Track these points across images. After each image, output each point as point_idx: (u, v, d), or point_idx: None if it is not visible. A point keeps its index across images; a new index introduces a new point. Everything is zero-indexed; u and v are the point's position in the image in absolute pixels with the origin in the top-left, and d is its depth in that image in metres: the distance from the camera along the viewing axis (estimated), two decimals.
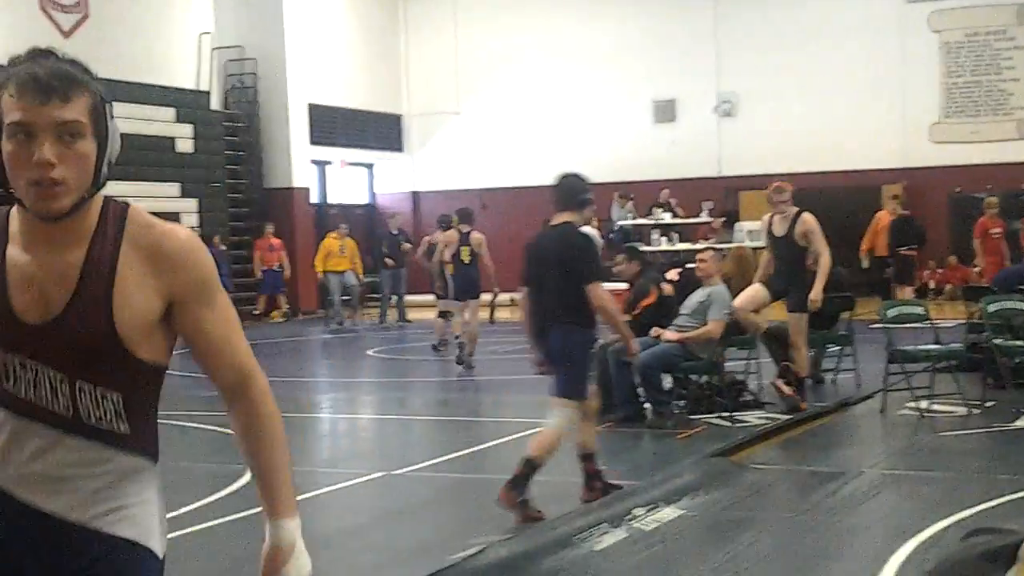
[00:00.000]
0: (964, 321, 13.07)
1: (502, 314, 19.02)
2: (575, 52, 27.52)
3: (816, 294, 10.68)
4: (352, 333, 21.60)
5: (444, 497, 8.45)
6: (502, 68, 28.18)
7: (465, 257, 15.70)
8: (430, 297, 23.84)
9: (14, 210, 2.43)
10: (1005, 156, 24.16)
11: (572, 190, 7.80)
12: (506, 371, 15.85)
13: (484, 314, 17.80)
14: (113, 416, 2.43)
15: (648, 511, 7.34)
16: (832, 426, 10.60)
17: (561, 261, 7.49)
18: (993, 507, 7.20)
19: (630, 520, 7.15)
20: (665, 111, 27.06)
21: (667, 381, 10.85)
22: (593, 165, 26.73)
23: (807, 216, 10.91)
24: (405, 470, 9.01)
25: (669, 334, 10.52)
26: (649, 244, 22.08)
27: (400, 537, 7.37)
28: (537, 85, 27.78)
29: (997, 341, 11.26)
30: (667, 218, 23.92)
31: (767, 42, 25.81)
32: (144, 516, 2.49)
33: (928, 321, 11.51)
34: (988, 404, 10.74)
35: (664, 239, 23.13)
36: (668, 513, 7.33)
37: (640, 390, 10.55)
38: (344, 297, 22.65)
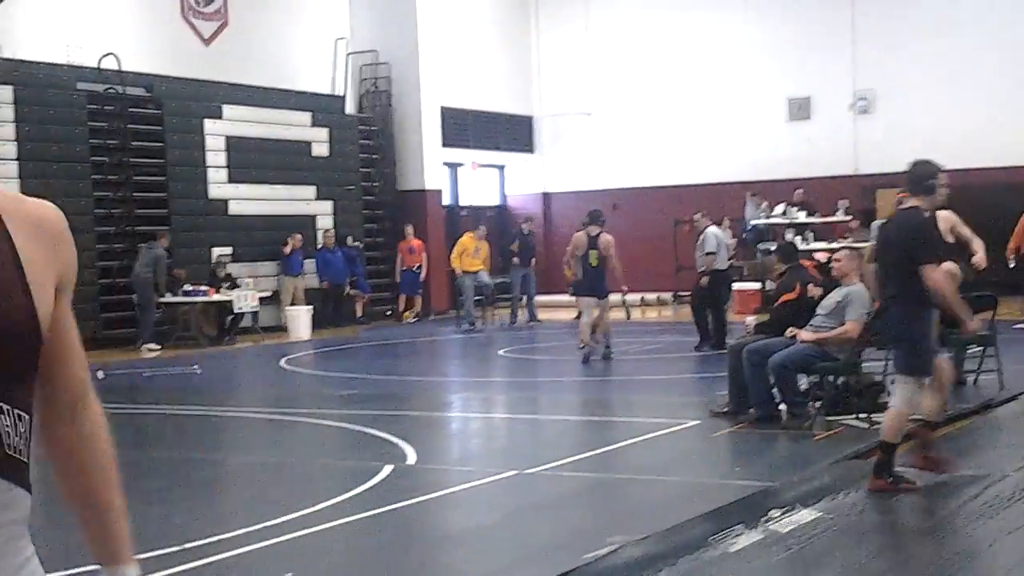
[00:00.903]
0: None
1: (635, 314, 18.91)
2: (707, 50, 27.32)
3: (980, 256, 11.32)
4: (482, 333, 21.71)
5: (577, 496, 8.44)
6: (633, 68, 28.10)
7: (593, 260, 15.79)
8: (561, 297, 23.93)
9: None
10: None
11: (921, 175, 8.07)
12: (639, 371, 15.80)
13: (619, 314, 17.80)
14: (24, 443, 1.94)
15: (784, 513, 7.23)
16: (974, 428, 10.33)
17: (901, 243, 7.91)
18: None
19: (766, 522, 7.06)
20: (800, 109, 26.72)
21: (803, 382, 10.70)
22: (726, 164, 26.80)
23: (945, 213, 10.80)
24: (537, 469, 9.02)
25: (805, 334, 10.36)
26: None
27: (533, 535, 7.39)
28: (669, 84, 27.63)
29: None
30: (801, 217, 23.56)
31: (904, 36, 25.30)
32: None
33: None
34: None
35: (799, 238, 22.78)
36: (804, 515, 7.22)
37: (776, 391, 10.42)
38: (477, 297, 22.77)
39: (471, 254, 22.45)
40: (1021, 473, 8.33)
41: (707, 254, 16.81)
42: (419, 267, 24.48)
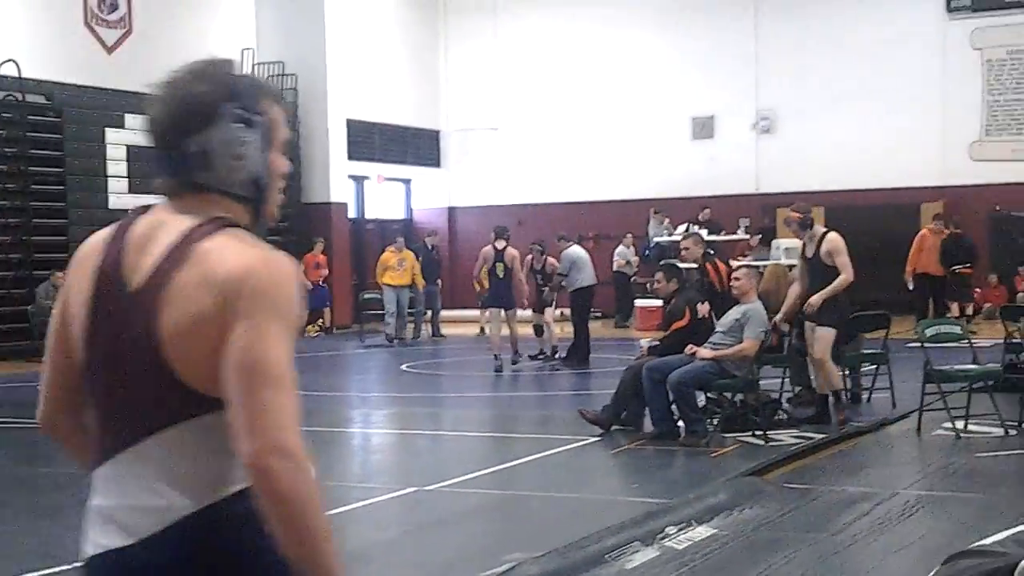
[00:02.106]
0: (1002, 341, 12.99)
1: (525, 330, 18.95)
2: (614, 68, 27.57)
3: (816, 299, 10.89)
4: (390, 348, 21.62)
5: (476, 513, 8.46)
6: (540, 84, 28.27)
7: (500, 272, 16.75)
8: (466, 312, 24.02)
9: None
10: None
11: None
12: (541, 387, 15.88)
13: (527, 329, 18.12)
14: None
15: (680, 530, 7.32)
16: (867, 446, 10.54)
17: None
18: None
19: (662, 539, 7.14)
20: (704, 128, 27.06)
21: (701, 399, 10.84)
22: (631, 181, 27.04)
23: (833, 235, 11.10)
24: (437, 486, 9.03)
25: (704, 352, 10.50)
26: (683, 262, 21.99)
27: (432, 552, 7.39)
28: (575, 102, 27.83)
29: None
30: (704, 235, 23.80)
31: (807, 59, 25.77)
32: None
33: (966, 340, 11.46)
34: None
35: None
36: (700, 532, 7.31)
37: (674, 408, 10.54)
38: (410, 311, 22.64)
39: (395, 267, 22.29)
40: (911, 491, 8.53)
41: (559, 274, 17.59)
42: (325, 281, 24.35)
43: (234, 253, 2.31)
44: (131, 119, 22.21)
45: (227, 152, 2.39)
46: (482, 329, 17.56)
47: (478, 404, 14.66)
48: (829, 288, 10.90)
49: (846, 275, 10.95)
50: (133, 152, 22.30)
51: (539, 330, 18.16)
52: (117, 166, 22.14)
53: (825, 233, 11.19)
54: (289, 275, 2.33)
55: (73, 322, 2.41)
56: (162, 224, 2.38)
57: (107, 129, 21.96)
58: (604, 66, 27.66)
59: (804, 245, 11.34)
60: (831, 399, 11.21)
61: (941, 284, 20.63)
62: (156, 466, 2.32)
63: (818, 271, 11.08)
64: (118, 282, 2.35)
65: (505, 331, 16.78)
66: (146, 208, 2.48)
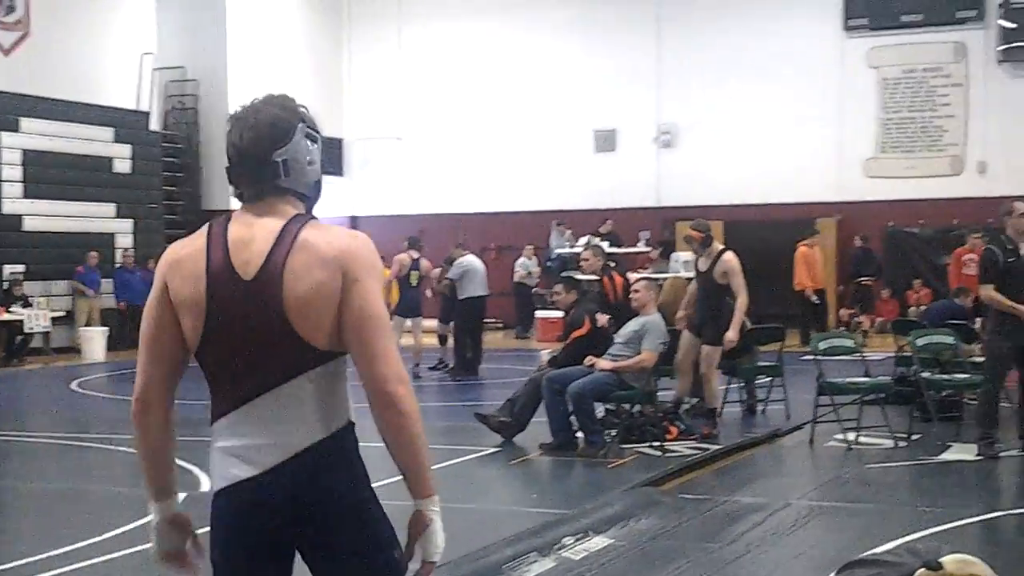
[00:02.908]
0: (894, 354, 13.28)
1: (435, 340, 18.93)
2: (517, 81, 27.68)
3: (732, 334, 11.09)
4: None
5: None
6: (444, 95, 28.27)
7: (413, 280, 17.17)
8: None
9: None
10: (938, 192, 24.54)
11: None
12: (442, 397, 15.86)
13: (432, 339, 18.26)
14: None
15: (577, 540, 7.37)
16: (761, 457, 10.71)
17: None
18: (917, 539, 7.30)
19: (559, 549, 7.18)
20: (606, 141, 27.26)
21: (600, 410, 10.91)
22: (533, 193, 27.14)
23: (728, 256, 11.26)
24: None
25: (603, 363, 10.58)
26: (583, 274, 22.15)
27: None
28: (479, 113, 27.88)
29: (924, 375, 11.43)
30: (605, 247, 23.99)
31: (707, 74, 26.10)
32: None
33: (858, 354, 11.70)
34: (915, 437, 10.89)
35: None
36: (597, 542, 7.36)
37: (573, 418, 10.60)
38: None
39: None
40: (803, 501, 8.68)
41: (447, 278, 17.66)
42: None
43: (332, 236, 3.05)
44: (27, 123, 21.81)
45: (303, 160, 3.14)
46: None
47: (361, 415, 14.56)
48: (736, 318, 11.10)
49: (743, 298, 11.19)
50: (29, 156, 21.88)
51: (443, 340, 18.20)
52: (12, 171, 21.69)
53: (722, 252, 11.36)
54: (372, 245, 3.09)
55: (185, 311, 3.02)
56: (253, 226, 3.05)
57: (2, 133, 21.52)
58: (508, 78, 27.76)
59: (698, 259, 11.53)
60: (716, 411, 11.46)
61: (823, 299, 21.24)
62: (279, 411, 3.00)
63: (711, 288, 11.29)
64: (233, 275, 3.00)
65: (410, 340, 16.82)
66: (227, 217, 3.10)
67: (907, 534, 7.35)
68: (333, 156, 29.23)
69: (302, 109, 3.20)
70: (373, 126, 28.94)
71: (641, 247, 24.40)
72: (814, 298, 21.16)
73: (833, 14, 25.57)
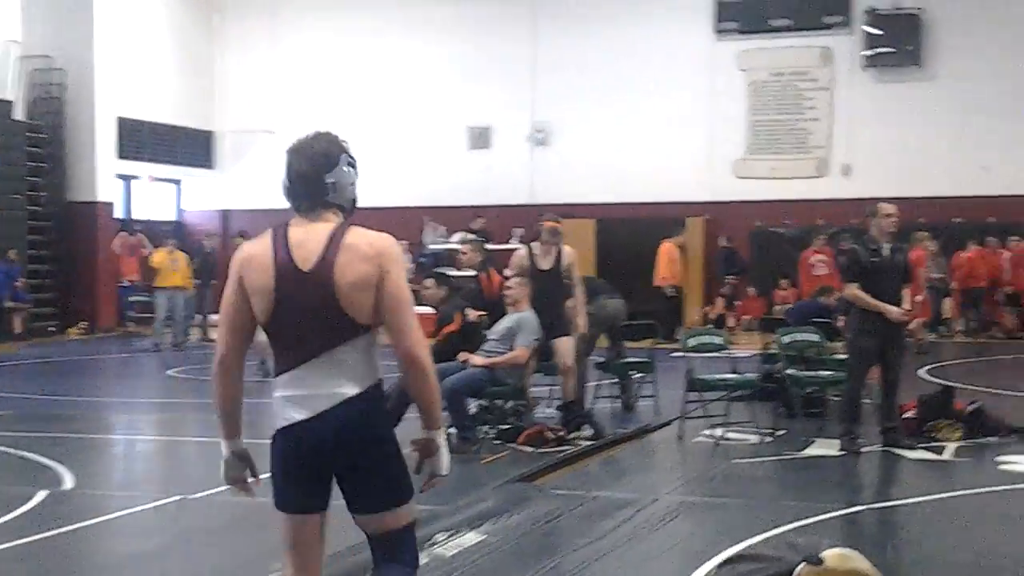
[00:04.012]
0: (759, 352, 13.54)
1: None
2: (391, 76, 27.56)
3: (583, 321, 11.28)
4: (157, 352, 21.03)
5: (245, 522, 8.30)
6: (318, 88, 28.01)
7: None
8: None
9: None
10: (804, 193, 25.09)
11: None
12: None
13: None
14: None
15: (449, 536, 7.37)
16: (631, 452, 10.83)
17: None
18: (783, 533, 7.45)
19: (431, 546, 7.17)
20: (480, 138, 27.29)
21: (472, 406, 10.92)
22: (407, 189, 27.04)
23: (569, 248, 11.35)
24: (204, 494, 8.83)
25: (476, 359, 10.60)
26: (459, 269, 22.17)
27: (199, 562, 7.25)
28: (352, 106, 27.67)
29: (790, 372, 11.68)
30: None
31: (582, 73, 26.28)
32: None
33: (726, 351, 11.91)
34: (780, 432, 11.13)
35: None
36: (469, 538, 7.38)
37: (446, 414, 10.59)
38: (185, 314, 22.03)
39: (168, 268, 21.62)
40: (673, 496, 8.80)
41: None
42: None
43: (371, 237, 4.09)
44: None
45: (346, 183, 4.22)
46: None
47: (247, 411, 14.38)
48: (582, 307, 11.33)
49: (582, 289, 11.34)
50: None
51: None
52: None
53: (561, 248, 11.49)
54: (398, 244, 4.17)
55: (257, 296, 4.06)
56: (308, 231, 4.10)
57: None
58: (383, 73, 27.63)
59: (535, 256, 11.47)
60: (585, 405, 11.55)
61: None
62: (330, 368, 4.03)
63: (557, 284, 11.28)
64: (294, 268, 4.03)
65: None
66: (285, 224, 4.12)
67: (772, 528, 7.50)
68: (203, 149, 28.78)
69: (344, 143, 4.30)
70: (246, 119, 28.53)
71: (514, 244, 24.47)
72: (671, 291, 21.53)
73: (705, 17, 25.95)
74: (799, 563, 1.84)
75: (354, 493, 4.13)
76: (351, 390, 4.03)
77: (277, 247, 4.07)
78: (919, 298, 20.79)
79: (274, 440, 4.13)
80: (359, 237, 4.07)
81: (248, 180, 28.73)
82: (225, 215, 28.93)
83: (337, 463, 4.07)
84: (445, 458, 4.15)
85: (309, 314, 4.02)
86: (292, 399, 4.07)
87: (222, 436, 4.28)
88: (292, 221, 4.14)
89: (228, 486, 4.38)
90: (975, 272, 22.22)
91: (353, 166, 4.26)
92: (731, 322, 23.04)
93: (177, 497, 8.77)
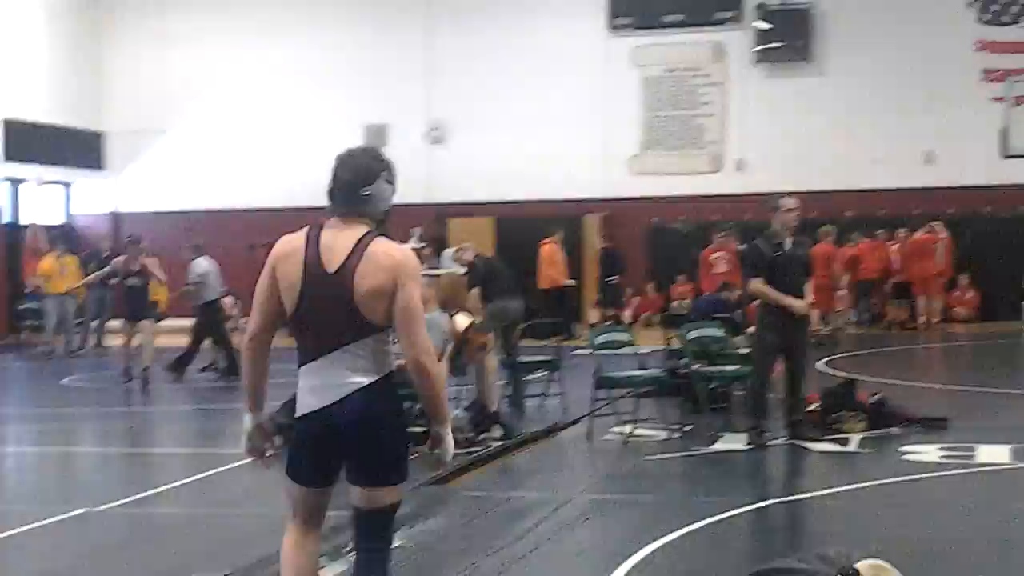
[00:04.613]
0: (662, 348, 13.60)
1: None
2: (286, 74, 27.25)
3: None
4: (50, 360, 20.49)
5: (154, 534, 8.15)
6: (211, 87, 27.59)
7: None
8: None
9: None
10: (699, 188, 25.35)
11: None
12: (210, 399, 15.47)
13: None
14: None
15: None
16: (542, 452, 10.81)
17: None
18: (697, 529, 7.51)
19: (348, 552, 7.08)
20: (377, 136, 27.05)
21: None
22: (303, 188, 26.55)
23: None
24: (109, 506, 8.65)
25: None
26: None
27: None
28: (247, 106, 27.34)
29: (696, 367, 11.77)
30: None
31: (477, 71, 26.24)
32: None
33: (630, 347, 11.95)
34: (687, 428, 11.22)
35: None
36: None
37: None
38: (78, 320, 21.55)
39: (58, 274, 21.09)
40: (586, 495, 8.83)
41: (188, 283, 17.36)
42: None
43: (392, 250, 4.54)
44: None
45: (381, 197, 4.63)
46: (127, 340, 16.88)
47: (148, 419, 14.15)
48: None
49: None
50: None
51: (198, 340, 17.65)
52: None
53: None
54: (416, 258, 4.66)
55: (286, 288, 4.53)
56: (338, 235, 4.54)
57: None
58: (276, 71, 27.29)
59: (442, 259, 11.77)
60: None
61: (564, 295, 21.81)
62: (346, 362, 4.50)
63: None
64: (321, 268, 4.50)
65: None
66: (320, 225, 4.57)
67: (686, 525, 7.56)
68: (93, 150, 28.16)
69: (387, 161, 4.69)
70: (137, 119, 27.95)
71: (413, 243, 24.35)
72: (566, 283, 21.64)
73: (598, 13, 26.08)
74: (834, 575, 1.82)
75: (358, 468, 4.61)
76: (363, 380, 4.49)
77: (309, 246, 4.54)
78: (841, 292, 21.28)
79: (296, 423, 4.65)
80: (382, 248, 4.52)
81: (141, 182, 28.22)
82: (117, 218, 28.35)
83: (346, 444, 4.55)
84: (450, 448, 4.71)
85: (329, 312, 4.51)
86: (311, 388, 4.56)
87: (246, 408, 4.74)
88: (328, 223, 4.59)
89: (249, 457, 4.84)
90: (866, 264, 22.64)
91: (391, 183, 4.67)
92: (625, 318, 23.15)
93: (81, 510, 8.55)
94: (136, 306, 16.61)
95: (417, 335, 4.46)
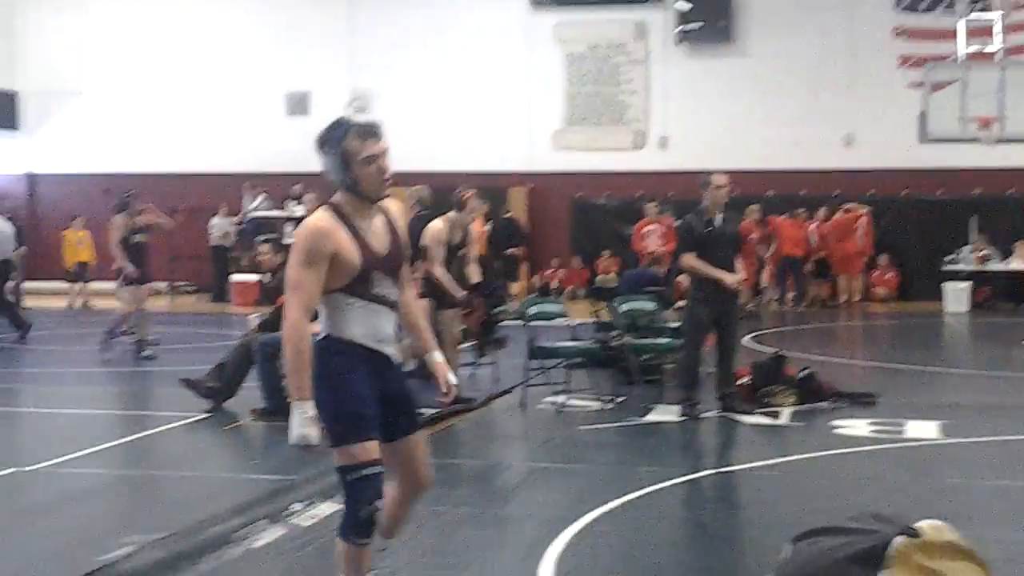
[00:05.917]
0: (592, 320, 13.64)
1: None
2: (208, 38, 26.86)
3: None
4: None
5: (86, 495, 7.99)
6: (130, 48, 27.10)
7: (143, 239, 16.34)
8: (52, 284, 22.74)
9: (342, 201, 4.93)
10: (621, 164, 25.46)
11: None
12: (143, 362, 15.23)
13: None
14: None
15: (305, 507, 7.25)
16: (476, 421, 10.80)
17: None
18: (636, 498, 7.55)
19: (288, 516, 7.04)
20: (299, 104, 26.81)
21: None
22: (226, 154, 26.41)
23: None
24: (39, 466, 8.48)
25: (315, 327, 10.40)
26: (282, 236, 21.79)
27: (40, 539, 6.91)
28: (167, 68, 26.90)
29: (628, 339, 11.83)
30: (300, 211, 23.73)
31: (400, 41, 26.07)
32: None
33: (563, 319, 11.99)
34: (620, 399, 11.27)
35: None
36: (325, 508, 7.24)
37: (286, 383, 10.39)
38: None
39: None
40: (523, 463, 8.84)
41: None
42: None
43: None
44: None
45: (327, 169, 4.92)
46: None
47: (76, 380, 13.88)
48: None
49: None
50: None
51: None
52: None
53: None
54: (304, 230, 4.83)
55: (346, 255, 4.81)
56: None
57: None
58: (197, 34, 26.89)
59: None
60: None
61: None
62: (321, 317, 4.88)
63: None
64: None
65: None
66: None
67: (624, 494, 7.59)
68: (6, 110, 27.52)
69: (322, 133, 4.97)
70: (52, 80, 27.37)
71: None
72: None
73: None
74: (894, 535, 1.81)
75: None
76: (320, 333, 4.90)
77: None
78: (767, 269, 21.54)
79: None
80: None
81: (56, 143, 27.65)
82: (32, 179, 27.77)
83: None
84: (292, 429, 4.76)
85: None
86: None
87: (300, 397, 4.71)
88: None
89: (302, 446, 4.78)
90: (786, 243, 22.91)
91: (328, 155, 4.86)
92: (515, 290, 23.12)
93: (9, 470, 8.38)
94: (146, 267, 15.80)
95: (287, 301, 4.78)
